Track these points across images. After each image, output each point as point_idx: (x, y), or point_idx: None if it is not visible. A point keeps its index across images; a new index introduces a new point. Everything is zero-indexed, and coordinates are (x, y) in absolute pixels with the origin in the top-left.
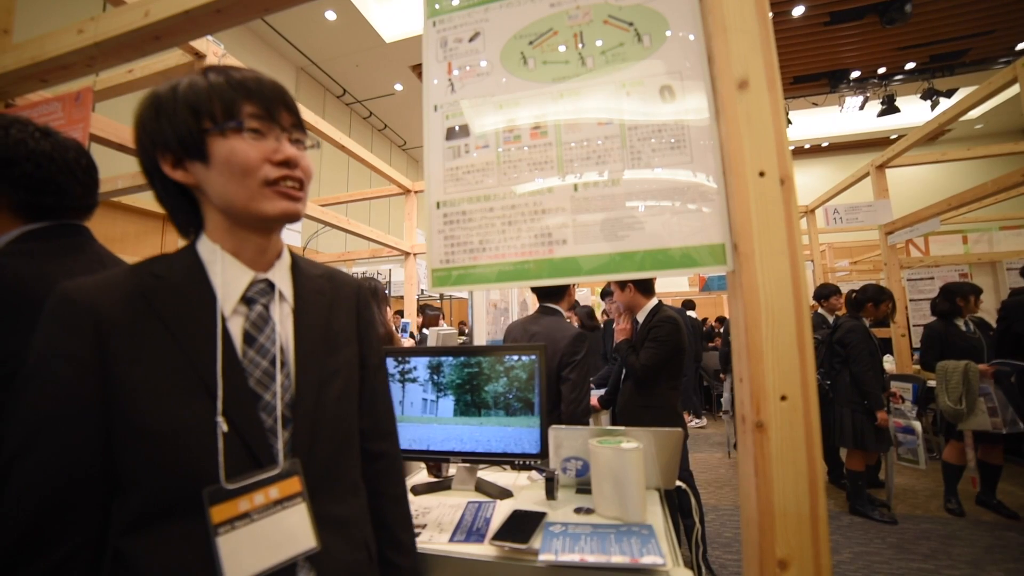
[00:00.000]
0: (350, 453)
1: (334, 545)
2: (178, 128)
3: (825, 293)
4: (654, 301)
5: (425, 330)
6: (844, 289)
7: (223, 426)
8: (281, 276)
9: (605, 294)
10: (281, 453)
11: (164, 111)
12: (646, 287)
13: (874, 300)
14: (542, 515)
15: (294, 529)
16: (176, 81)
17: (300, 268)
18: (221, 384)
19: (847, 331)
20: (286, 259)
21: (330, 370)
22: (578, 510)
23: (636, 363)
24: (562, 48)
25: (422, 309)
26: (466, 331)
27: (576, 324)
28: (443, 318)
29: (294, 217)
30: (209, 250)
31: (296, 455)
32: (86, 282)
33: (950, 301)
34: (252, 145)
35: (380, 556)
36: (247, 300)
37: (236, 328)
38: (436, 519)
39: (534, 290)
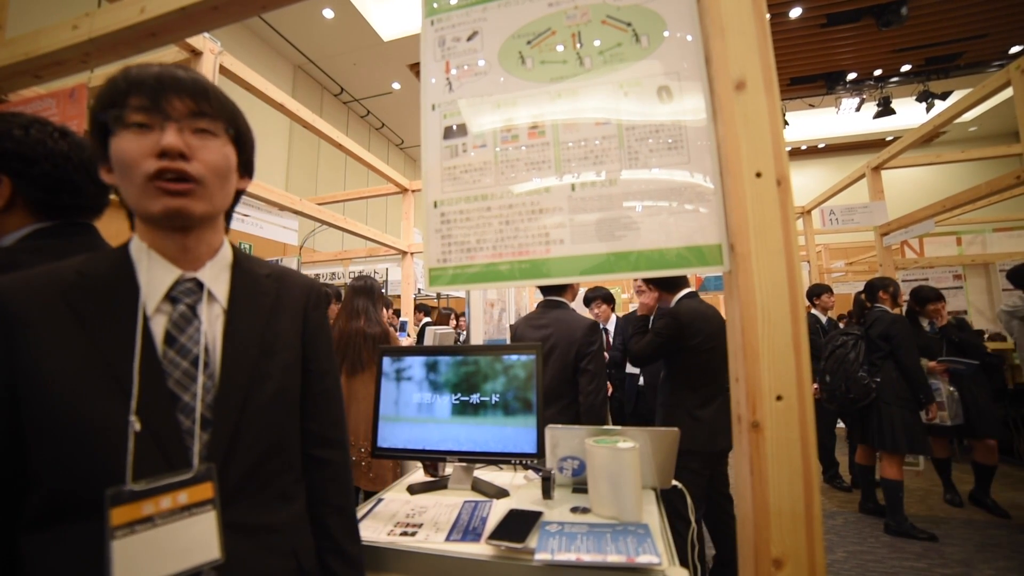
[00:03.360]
0: (281, 459)
1: (249, 553)
2: (92, 131)
3: (817, 291)
4: (681, 293)
5: (436, 327)
6: (838, 291)
7: (135, 425)
8: (214, 275)
9: (588, 300)
10: (197, 457)
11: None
12: (666, 285)
13: (882, 287)
14: (538, 514)
15: (199, 538)
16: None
17: (243, 268)
18: (137, 383)
19: (890, 323)
20: (224, 258)
21: (262, 374)
22: (574, 509)
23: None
24: (560, 48)
25: (434, 311)
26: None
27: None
28: (455, 318)
29: (179, 215)
30: (137, 248)
31: (213, 459)
32: (4, 280)
33: (909, 304)
34: (134, 139)
35: (323, 566)
36: (172, 299)
37: (158, 327)
38: (432, 518)
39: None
